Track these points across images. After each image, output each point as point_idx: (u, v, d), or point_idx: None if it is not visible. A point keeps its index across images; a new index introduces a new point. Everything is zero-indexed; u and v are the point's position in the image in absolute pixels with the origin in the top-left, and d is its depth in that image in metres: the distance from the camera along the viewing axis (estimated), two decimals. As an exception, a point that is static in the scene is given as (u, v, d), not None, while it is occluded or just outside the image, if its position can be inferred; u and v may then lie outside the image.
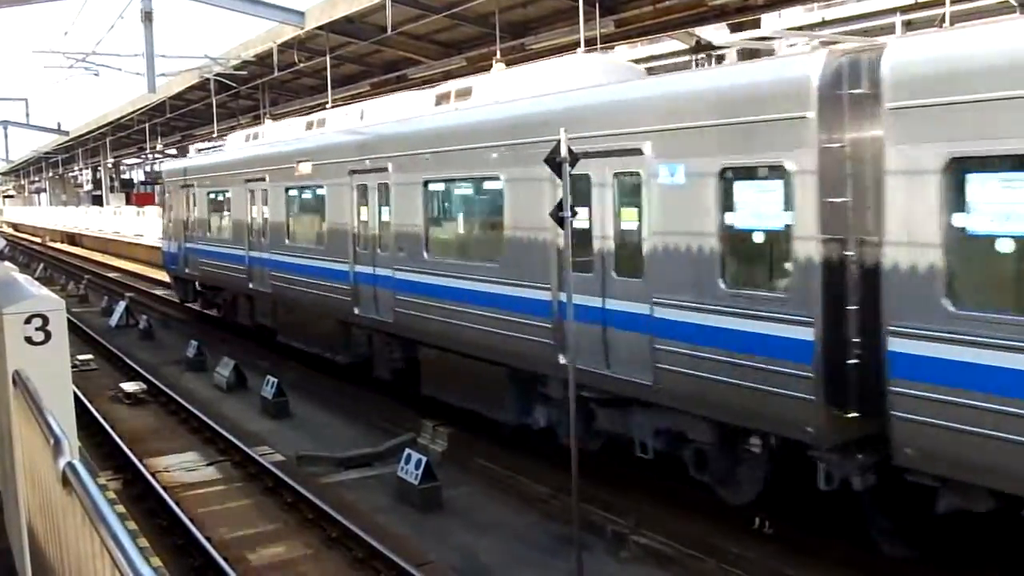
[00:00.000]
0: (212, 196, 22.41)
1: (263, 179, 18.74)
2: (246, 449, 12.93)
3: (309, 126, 18.44)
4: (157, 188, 30.97)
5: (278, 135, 19.92)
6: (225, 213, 21.58)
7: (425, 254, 13.09)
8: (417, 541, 9.90)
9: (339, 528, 10.01)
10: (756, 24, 20.89)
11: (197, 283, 24.19)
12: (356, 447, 13.32)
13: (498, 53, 22.62)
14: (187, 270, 23.94)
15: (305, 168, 16.97)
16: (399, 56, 28.87)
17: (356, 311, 14.95)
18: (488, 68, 23.38)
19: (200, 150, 31.17)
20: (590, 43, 19.75)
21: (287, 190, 17.84)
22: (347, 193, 15.21)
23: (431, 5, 23.60)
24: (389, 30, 23.10)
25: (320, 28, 26.62)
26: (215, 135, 48.60)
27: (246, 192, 19.69)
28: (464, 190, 12.92)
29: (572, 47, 20.82)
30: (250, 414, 15.71)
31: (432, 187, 13.18)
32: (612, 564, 9.33)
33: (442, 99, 13.76)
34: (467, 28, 25.29)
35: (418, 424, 13.69)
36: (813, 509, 8.88)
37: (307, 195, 17.56)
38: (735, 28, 20.71)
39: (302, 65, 29.37)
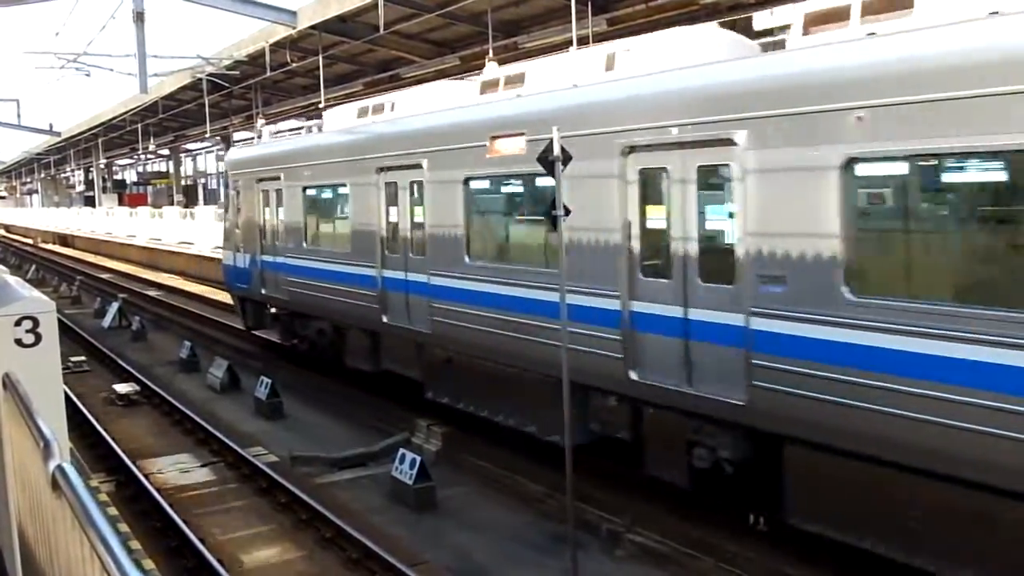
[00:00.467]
0: (313, 193, 16.64)
1: (416, 166, 12.91)
2: (240, 450, 12.89)
3: (488, 88, 12.46)
4: (221, 183, 23.97)
5: (432, 102, 13.83)
6: (336, 216, 16.10)
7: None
8: (412, 541, 9.88)
9: (333, 529, 9.99)
10: (748, 22, 20.92)
11: (273, 307, 18.66)
12: (350, 447, 13.28)
13: (491, 52, 22.65)
14: (264, 291, 18.29)
15: (508, 146, 11.06)
16: (392, 55, 28.92)
17: (633, 375, 9.35)
18: (481, 67, 23.43)
19: (281, 132, 23.03)
20: (582, 41, 19.76)
21: (467, 182, 11.89)
22: (615, 185, 9.43)
23: (424, 4, 23.64)
24: (382, 29, 23.13)
25: (313, 27, 26.65)
26: (208, 135, 48.55)
27: (379, 186, 13.92)
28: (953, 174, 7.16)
29: (565, 45, 20.84)
30: (244, 415, 15.66)
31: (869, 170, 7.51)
32: (607, 563, 9.31)
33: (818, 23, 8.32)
34: (459, 27, 25.34)
35: (412, 424, 13.66)
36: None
37: (513, 188, 11.82)
38: (727, 27, 20.72)
39: (295, 65, 29.38)
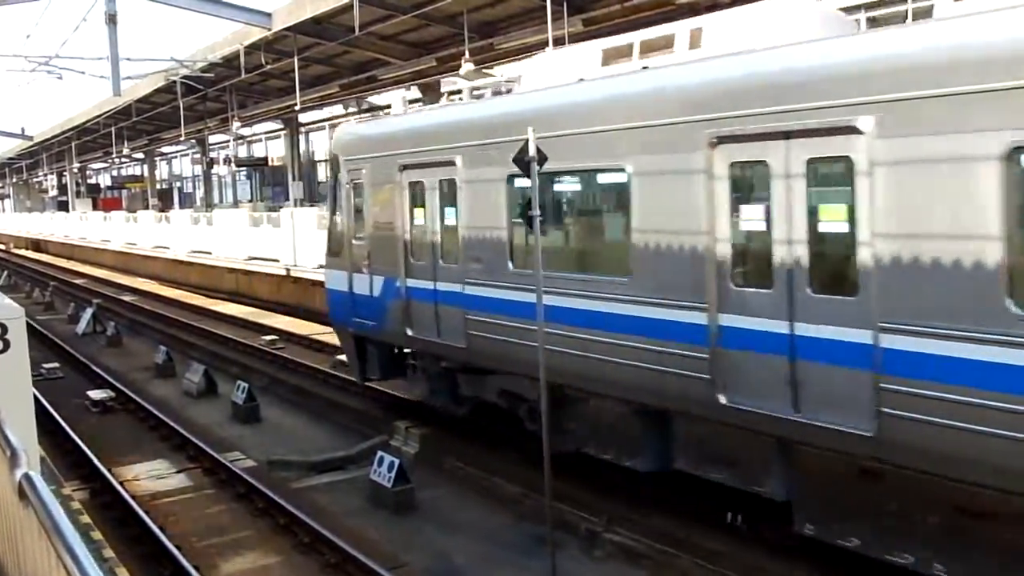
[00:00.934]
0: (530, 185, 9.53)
1: (842, 131, 7.20)
2: (216, 455, 12.80)
3: None
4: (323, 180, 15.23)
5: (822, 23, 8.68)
6: (590, 223, 10.50)
7: None
8: (390, 544, 9.84)
9: (311, 533, 9.92)
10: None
11: (421, 353, 12.86)
12: (328, 451, 13.22)
13: (467, 53, 22.67)
14: (410, 331, 12.43)
15: None
16: (368, 57, 28.86)
17: None
18: (458, 68, 23.40)
19: (431, 99, 15.16)
20: (558, 42, 19.80)
21: (1015, 156, 6.26)
22: None
23: (399, 5, 23.61)
24: (357, 31, 23.08)
25: (287, 29, 26.56)
26: (182, 138, 48.24)
27: (712, 171, 8.20)
28: None
29: (541, 46, 20.85)
30: (220, 420, 15.55)
31: None
32: (586, 563, 9.31)
33: None
34: (435, 28, 25.33)
35: (390, 426, 13.61)
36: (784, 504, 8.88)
37: None
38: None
39: (270, 67, 29.27)
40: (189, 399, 17.21)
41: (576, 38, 20.12)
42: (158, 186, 69.56)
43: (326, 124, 51.83)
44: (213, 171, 56.72)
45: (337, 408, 15.53)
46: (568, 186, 10.61)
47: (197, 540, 10.25)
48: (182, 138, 48.32)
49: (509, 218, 10.67)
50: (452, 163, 11.48)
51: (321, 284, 27.74)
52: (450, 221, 11.77)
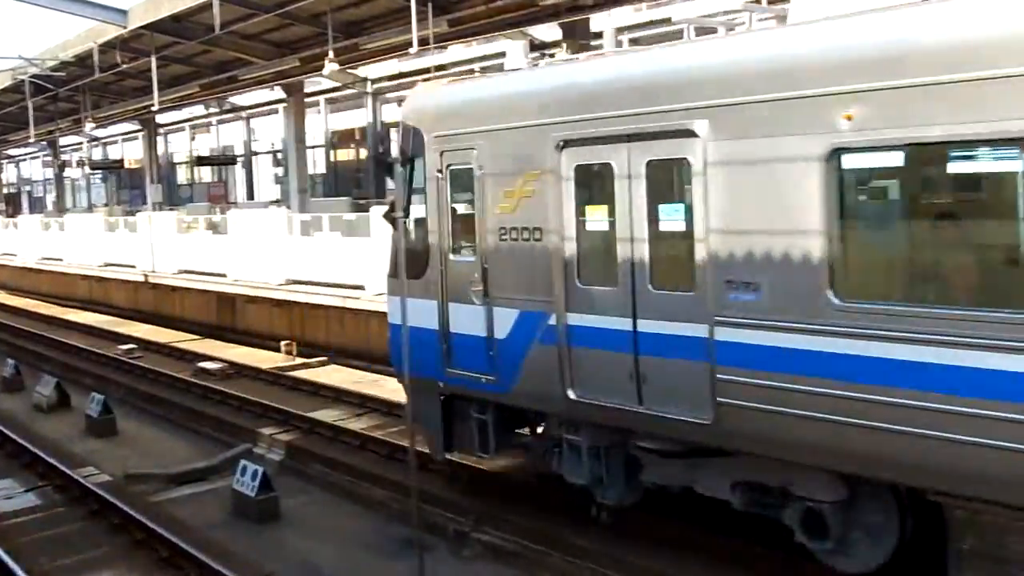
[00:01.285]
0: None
1: None
2: (68, 471, 12.21)
3: None
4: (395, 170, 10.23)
5: None
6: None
7: None
8: (255, 555, 9.58)
9: (170, 547, 9.58)
10: (586, 24, 21.44)
11: (595, 423, 8.50)
12: (189, 462, 12.81)
13: (331, 53, 22.37)
14: (575, 393, 8.23)
15: None
16: (229, 56, 28.16)
17: None
18: (321, 68, 23.07)
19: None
20: (423, 42, 19.77)
21: None
22: None
23: (261, 4, 23.16)
24: (217, 29, 22.51)
25: (144, 27, 25.71)
26: (32, 140, 45.85)
27: None
28: None
29: (405, 47, 20.79)
30: (73, 434, 14.85)
31: None
32: (455, 564, 9.30)
33: None
34: (299, 28, 24.96)
35: (255, 434, 13.29)
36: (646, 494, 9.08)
37: None
38: (566, 28, 21.17)
39: (126, 66, 28.21)
40: (39, 413, 16.39)
41: (441, 38, 20.15)
42: (5, 190, 65.92)
43: (186, 125, 50.20)
44: (65, 174, 54.08)
45: (198, 417, 15.05)
46: (955, 166, 6.31)
47: (48, 561, 9.76)
48: (31, 140, 45.89)
49: (830, 220, 6.54)
50: (686, 133, 7.31)
51: (182, 290, 27.26)
52: (673, 224, 7.68)
